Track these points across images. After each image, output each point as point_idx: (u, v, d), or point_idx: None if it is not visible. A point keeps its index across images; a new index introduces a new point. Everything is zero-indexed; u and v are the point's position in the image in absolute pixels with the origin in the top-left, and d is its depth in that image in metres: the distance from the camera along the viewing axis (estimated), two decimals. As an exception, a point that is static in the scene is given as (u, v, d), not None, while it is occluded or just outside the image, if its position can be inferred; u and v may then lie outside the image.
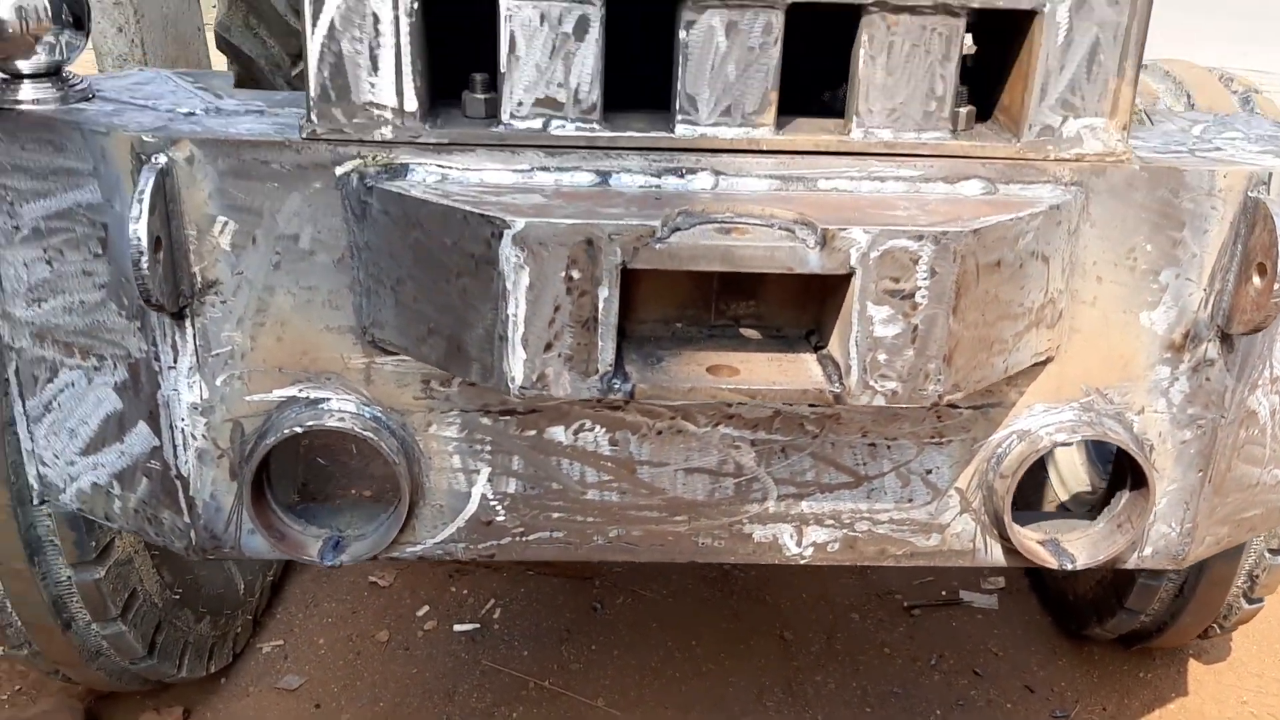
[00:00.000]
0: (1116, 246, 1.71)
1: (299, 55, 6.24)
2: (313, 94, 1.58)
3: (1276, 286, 1.63)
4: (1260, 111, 2.64)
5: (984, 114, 1.78)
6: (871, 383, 1.56)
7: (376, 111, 1.59)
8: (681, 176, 1.65)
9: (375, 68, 1.57)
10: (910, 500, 1.87)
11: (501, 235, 1.47)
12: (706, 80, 1.61)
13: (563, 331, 1.52)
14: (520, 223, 1.46)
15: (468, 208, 1.50)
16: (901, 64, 1.62)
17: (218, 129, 1.62)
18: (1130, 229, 1.70)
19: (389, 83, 1.58)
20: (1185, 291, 1.74)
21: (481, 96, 1.67)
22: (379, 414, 1.76)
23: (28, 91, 1.69)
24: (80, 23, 1.71)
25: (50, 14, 1.66)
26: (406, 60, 1.57)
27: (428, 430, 1.78)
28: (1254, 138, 1.87)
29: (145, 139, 1.58)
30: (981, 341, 1.61)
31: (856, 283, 1.51)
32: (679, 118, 1.63)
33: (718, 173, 1.65)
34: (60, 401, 1.85)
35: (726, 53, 1.59)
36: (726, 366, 1.63)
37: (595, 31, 1.58)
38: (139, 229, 1.52)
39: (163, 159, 1.58)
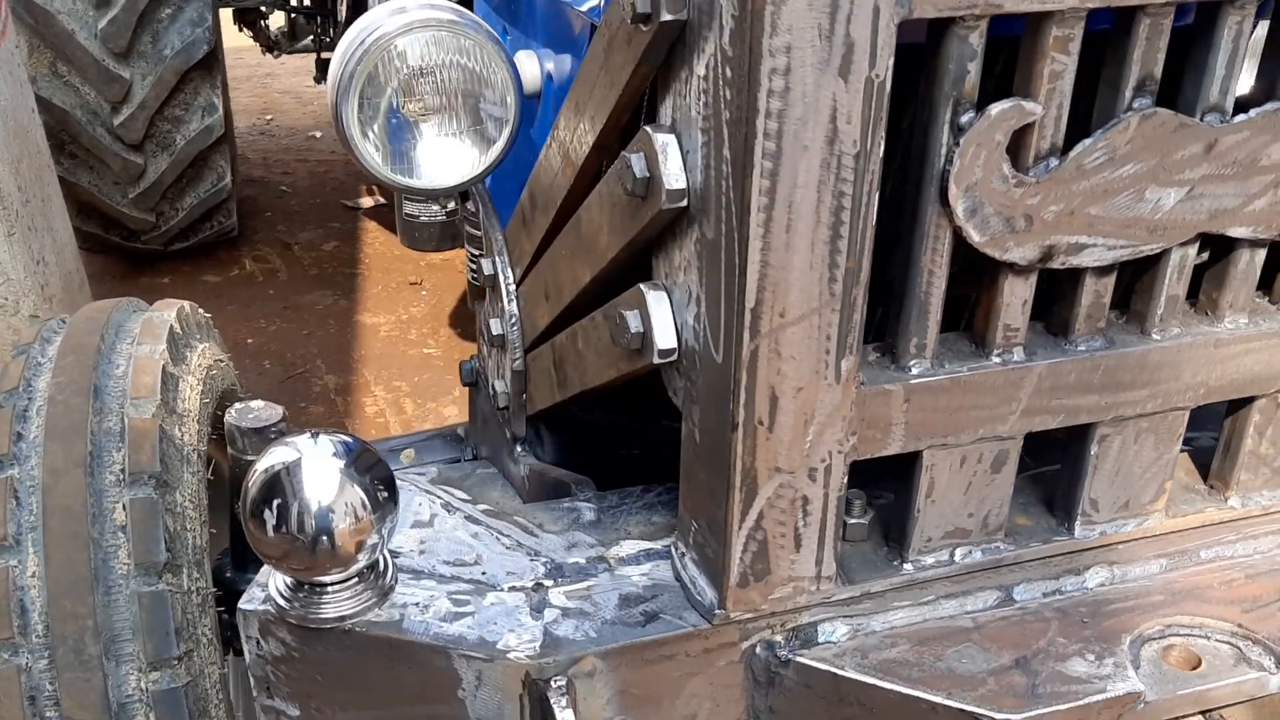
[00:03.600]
0: None
1: (121, 101, 5.59)
2: (733, 582, 1.38)
3: None
4: None
5: None
6: None
7: (794, 584, 1.42)
8: (1079, 574, 1.57)
9: (798, 546, 1.39)
10: None
11: None
12: (1110, 483, 1.52)
13: None
14: None
15: (941, 700, 1.37)
16: None
17: (615, 624, 1.40)
18: None
19: (810, 556, 1.40)
20: None
21: (860, 520, 1.51)
22: None
23: (332, 609, 1.39)
24: (397, 498, 1.41)
25: (369, 508, 1.36)
26: (829, 532, 1.39)
27: None
28: None
29: (543, 664, 1.35)
30: None
31: None
32: (1079, 520, 1.54)
33: (1110, 563, 1.58)
34: None
35: (1135, 457, 1.51)
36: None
37: (1012, 461, 1.45)
38: None
39: (563, 680, 1.36)
